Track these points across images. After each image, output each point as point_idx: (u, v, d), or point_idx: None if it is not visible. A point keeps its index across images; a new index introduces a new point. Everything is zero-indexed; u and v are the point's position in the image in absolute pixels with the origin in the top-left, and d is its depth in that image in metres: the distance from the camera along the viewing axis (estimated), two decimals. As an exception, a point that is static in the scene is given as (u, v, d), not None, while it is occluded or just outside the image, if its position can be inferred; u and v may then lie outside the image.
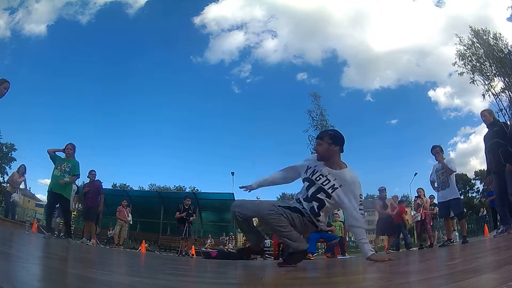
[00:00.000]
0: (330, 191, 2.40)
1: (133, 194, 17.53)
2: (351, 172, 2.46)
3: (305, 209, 2.44)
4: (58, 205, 6.07)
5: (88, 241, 6.67)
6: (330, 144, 2.45)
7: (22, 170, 8.86)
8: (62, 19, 30.48)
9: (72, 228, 7.34)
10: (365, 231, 2.44)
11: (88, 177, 7.46)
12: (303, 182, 2.55)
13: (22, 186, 8.93)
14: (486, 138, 5.10)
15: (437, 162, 5.73)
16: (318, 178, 2.45)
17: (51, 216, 6.13)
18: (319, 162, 2.50)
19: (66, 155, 5.80)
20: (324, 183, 2.42)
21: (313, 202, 2.43)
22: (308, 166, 2.55)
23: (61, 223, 7.75)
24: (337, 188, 2.39)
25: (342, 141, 2.51)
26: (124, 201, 9.25)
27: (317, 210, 2.42)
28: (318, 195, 2.42)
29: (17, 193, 8.91)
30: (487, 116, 5.10)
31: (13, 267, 1.37)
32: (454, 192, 5.49)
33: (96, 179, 7.53)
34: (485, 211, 15.47)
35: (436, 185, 5.75)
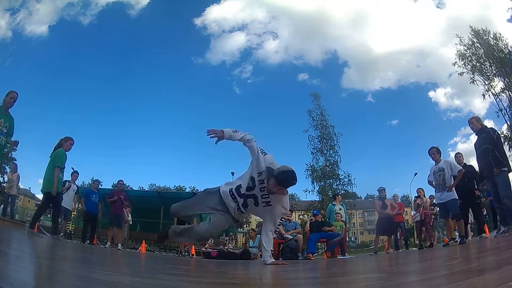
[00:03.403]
0: (262, 203, 2.76)
1: (133, 194, 17.49)
2: (287, 202, 2.89)
3: (235, 200, 2.80)
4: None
5: (118, 245, 7.53)
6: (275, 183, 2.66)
7: (13, 167, 8.89)
8: (63, 20, 30.47)
9: (71, 227, 7.39)
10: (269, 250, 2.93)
11: (117, 187, 8.32)
12: (249, 176, 2.79)
13: (20, 185, 9.00)
14: (476, 145, 5.25)
15: (434, 163, 5.84)
16: (261, 188, 2.72)
17: None
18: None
19: (5, 105, 4.52)
20: (262, 195, 2.73)
21: (243, 199, 2.79)
22: (262, 170, 2.74)
23: (61, 224, 7.76)
24: (270, 206, 2.77)
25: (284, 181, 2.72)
26: (128, 202, 9.26)
27: (242, 208, 2.81)
28: (249, 199, 2.78)
29: (15, 191, 8.93)
30: (474, 123, 5.23)
31: (13, 267, 1.37)
32: (451, 193, 5.56)
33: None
34: (485, 211, 15.44)
35: (434, 185, 5.83)
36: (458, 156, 6.45)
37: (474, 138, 5.46)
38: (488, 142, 4.92)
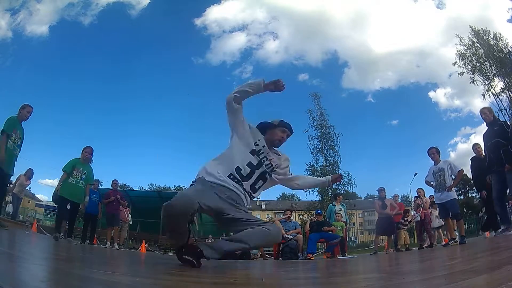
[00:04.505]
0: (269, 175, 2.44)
1: (133, 194, 17.49)
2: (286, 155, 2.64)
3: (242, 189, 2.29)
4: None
5: (114, 244, 7.64)
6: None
7: (29, 174, 9.02)
8: (64, 20, 30.54)
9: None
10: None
11: (112, 186, 8.26)
12: (248, 153, 2.39)
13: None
14: (485, 137, 5.07)
15: (433, 163, 5.85)
16: (263, 161, 2.39)
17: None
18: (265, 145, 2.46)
19: (20, 117, 4.90)
20: (267, 166, 2.40)
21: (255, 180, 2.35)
22: (257, 140, 2.47)
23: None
24: (276, 170, 2.46)
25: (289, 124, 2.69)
26: (124, 201, 9.27)
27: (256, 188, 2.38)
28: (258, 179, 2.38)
29: (22, 195, 9.14)
30: (487, 113, 5.08)
31: (13, 267, 1.37)
32: (450, 193, 5.56)
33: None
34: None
35: (433, 185, 5.83)
36: (476, 146, 6.04)
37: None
38: (501, 136, 4.73)
